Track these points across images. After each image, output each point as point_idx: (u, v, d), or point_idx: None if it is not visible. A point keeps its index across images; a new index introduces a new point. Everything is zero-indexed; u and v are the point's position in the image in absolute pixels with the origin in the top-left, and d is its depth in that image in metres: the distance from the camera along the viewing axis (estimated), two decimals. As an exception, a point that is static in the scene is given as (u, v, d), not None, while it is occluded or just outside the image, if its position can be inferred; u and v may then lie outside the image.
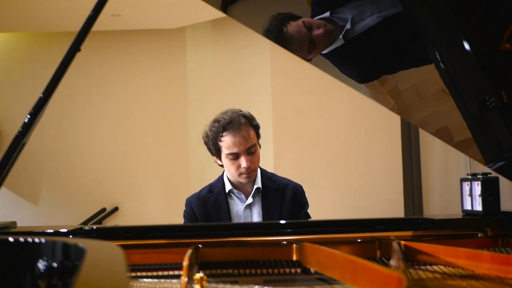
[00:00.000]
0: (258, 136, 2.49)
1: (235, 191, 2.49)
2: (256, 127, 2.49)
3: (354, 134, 5.11)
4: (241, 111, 2.49)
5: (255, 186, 2.47)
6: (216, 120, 2.46)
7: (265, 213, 2.45)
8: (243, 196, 2.49)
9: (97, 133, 6.10)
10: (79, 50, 1.85)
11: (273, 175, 2.55)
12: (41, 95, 1.81)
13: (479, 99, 1.95)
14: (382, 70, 2.12)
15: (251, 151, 2.42)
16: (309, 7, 2.08)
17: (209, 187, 2.53)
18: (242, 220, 2.46)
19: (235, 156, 2.41)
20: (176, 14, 5.56)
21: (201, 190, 2.54)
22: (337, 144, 5.09)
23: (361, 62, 2.19)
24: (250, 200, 2.47)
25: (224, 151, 2.43)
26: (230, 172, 2.47)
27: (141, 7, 5.32)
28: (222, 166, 2.52)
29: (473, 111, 1.99)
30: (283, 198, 2.47)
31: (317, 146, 5.11)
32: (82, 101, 6.09)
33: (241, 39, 5.47)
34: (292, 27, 2.04)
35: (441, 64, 1.95)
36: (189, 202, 2.51)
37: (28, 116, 1.79)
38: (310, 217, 2.53)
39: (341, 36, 2.03)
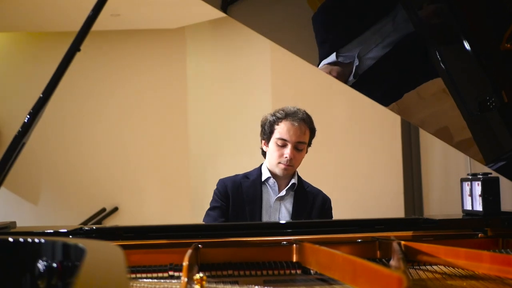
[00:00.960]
0: (310, 140, 2.56)
1: (271, 181, 2.52)
2: (313, 131, 2.56)
3: (354, 134, 5.11)
4: (305, 112, 2.55)
5: (291, 181, 2.52)
6: (282, 108, 2.54)
7: (294, 210, 2.49)
8: (277, 188, 2.52)
9: (97, 133, 6.11)
10: (79, 50, 1.85)
11: (305, 182, 2.60)
12: (41, 95, 1.81)
13: (479, 99, 1.95)
14: (403, 89, 2.13)
15: (299, 148, 2.49)
16: (308, 7, 2.08)
17: (245, 174, 2.58)
18: (271, 211, 2.50)
19: (283, 144, 2.47)
20: (176, 14, 5.56)
21: (236, 175, 2.57)
22: (337, 144, 5.09)
23: (380, 88, 2.21)
24: (283, 192, 2.51)
25: (276, 135, 2.49)
26: (271, 159, 2.52)
27: (141, 7, 5.32)
28: (264, 155, 2.58)
29: (473, 111, 1.99)
30: (313, 203, 2.52)
31: (317, 146, 5.09)
32: (82, 101, 6.09)
33: (241, 39, 5.47)
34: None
35: (441, 64, 1.95)
36: (224, 181, 2.54)
37: (28, 116, 1.79)
38: None
39: (352, 75, 2.06)
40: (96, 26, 1.88)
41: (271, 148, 2.52)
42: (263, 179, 2.53)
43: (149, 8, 5.35)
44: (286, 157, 2.46)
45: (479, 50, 1.89)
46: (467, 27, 1.90)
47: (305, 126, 2.50)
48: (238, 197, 2.49)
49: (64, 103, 5.87)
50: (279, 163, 2.48)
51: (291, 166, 2.48)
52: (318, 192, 2.57)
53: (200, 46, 5.97)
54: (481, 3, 1.91)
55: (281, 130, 2.48)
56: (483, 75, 1.95)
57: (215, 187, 2.56)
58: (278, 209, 2.50)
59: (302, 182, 2.56)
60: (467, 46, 1.88)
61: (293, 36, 2.18)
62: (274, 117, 2.52)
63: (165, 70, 6.10)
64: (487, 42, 1.93)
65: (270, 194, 2.52)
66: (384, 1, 1.99)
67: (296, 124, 2.47)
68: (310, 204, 2.51)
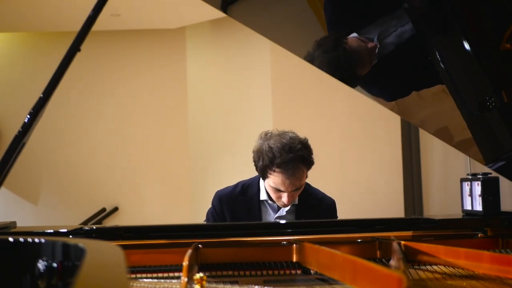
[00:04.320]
0: (308, 169, 2.37)
1: (269, 201, 2.41)
2: (311, 164, 2.36)
3: (354, 134, 5.11)
4: (301, 146, 2.31)
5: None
6: (274, 149, 2.28)
7: None
8: (275, 206, 2.41)
9: (97, 133, 6.10)
10: (79, 50, 1.85)
11: (308, 186, 2.47)
12: (41, 95, 1.81)
13: (479, 99, 1.95)
14: (411, 86, 2.10)
15: (297, 189, 2.34)
16: (308, 7, 2.08)
17: (242, 187, 2.43)
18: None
19: (278, 190, 2.32)
20: (176, 14, 5.56)
21: (233, 188, 2.44)
22: (337, 144, 5.08)
23: (391, 80, 2.18)
24: (283, 212, 2.40)
25: (270, 183, 2.32)
26: (268, 191, 2.38)
27: (141, 7, 5.32)
28: None
29: (473, 111, 1.99)
30: (316, 214, 2.40)
31: (317, 146, 5.08)
32: (82, 101, 6.09)
33: (241, 39, 5.47)
34: (352, 42, 2.01)
35: (441, 64, 1.95)
36: (220, 198, 2.43)
37: (28, 116, 1.79)
38: None
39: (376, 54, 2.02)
40: (96, 26, 1.88)
41: (267, 186, 2.35)
42: (261, 197, 2.40)
43: (149, 8, 5.35)
44: (283, 202, 2.32)
45: (479, 50, 1.89)
46: (467, 27, 1.90)
47: (301, 171, 2.30)
48: (235, 216, 2.39)
49: (64, 103, 5.87)
50: (277, 201, 2.36)
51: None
52: (321, 198, 2.46)
53: (200, 46, 5.97)
54: (481, 3, 1.91)
55: (275, 180, 2.29)
56: (483, 75, 1.95)
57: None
58: None
59: (303, 194, 2.41)
60: (467, 46, 1.88)
61: (293, 36, 2.18)
62: (265, 160, 2.29)
63: (165, 70, 6.10)
64: (487, 42, 1.93)
65: (269, 212, 2.41)
66: None
67: (290, 177, 2.27)
68: (313, 216, 2.38)
